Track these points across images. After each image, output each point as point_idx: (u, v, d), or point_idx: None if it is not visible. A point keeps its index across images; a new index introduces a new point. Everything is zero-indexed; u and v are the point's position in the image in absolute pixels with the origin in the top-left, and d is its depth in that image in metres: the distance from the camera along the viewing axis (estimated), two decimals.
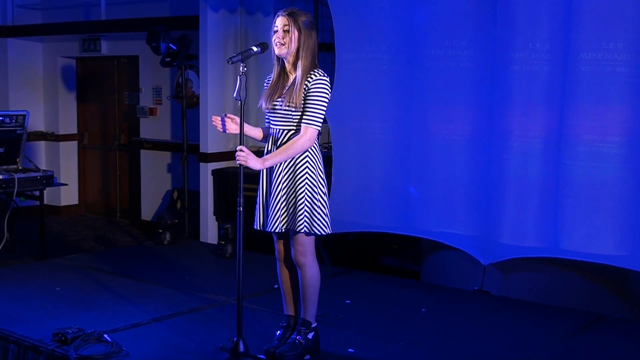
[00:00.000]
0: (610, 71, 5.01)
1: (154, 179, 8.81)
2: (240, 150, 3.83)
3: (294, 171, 3.92)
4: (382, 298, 5.40)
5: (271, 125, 4.03)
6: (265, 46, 3.99)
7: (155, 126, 8.80)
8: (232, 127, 3.99)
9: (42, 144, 9.86)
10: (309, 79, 3.87)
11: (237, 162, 3.85)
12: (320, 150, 4.02)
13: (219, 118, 3.99)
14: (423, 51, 5.76)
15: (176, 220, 7.07)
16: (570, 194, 5.23)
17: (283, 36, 3.88)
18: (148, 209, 8.90)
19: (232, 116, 3.99)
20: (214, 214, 7.53)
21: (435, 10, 5.69)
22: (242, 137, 3.91)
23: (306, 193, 3.91)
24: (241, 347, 3.94)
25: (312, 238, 4.00)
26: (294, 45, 3.89)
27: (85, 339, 4.17)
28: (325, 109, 3.90)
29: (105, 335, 4.24)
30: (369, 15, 6.02)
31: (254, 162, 3.86)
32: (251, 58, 4.01)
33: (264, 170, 4.00)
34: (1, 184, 6.44)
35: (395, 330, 4.66)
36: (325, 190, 4.00)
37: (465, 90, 5.62)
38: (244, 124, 3.96)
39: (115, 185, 9.61)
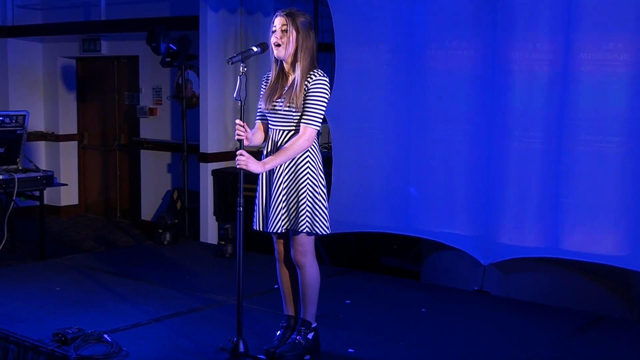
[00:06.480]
0: (610, 71, 5.01)
1: (154, 179, 8.81)
2: (241, 155, 3.83)
3: (295, 171, 3.92)
4: (382, 298, 5.40)
5: (270, 126, 4.02)
6: (265, 46, 3.98)
7: (155, 126, 8.80)
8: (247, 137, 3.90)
9: (42, 144, 9.86)
10: (308, 79, 3.87)
11: (238, 166, 3.84)
12: (320, 150, 4.03)
13: (244, 124, 3.86)
14: (423, 51, 5.76)
15: (176, 221, 7.07)
16: (570, 194, 5.23)
17: (281, 36, 3.88)
18: (148, 209, 8.90)
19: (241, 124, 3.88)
20: (214, 214, 7.53)
21: (435, 10, 5.68)
22: (242, 141, 3.90)
23: (308, 193, 3.91)
24: (241, 347, 3.94)
25: (312, 238, 4.00)
26: (291, 46, 3.88)
27: (85, 339, 4.17)
28: (324, 109, 3.90)
29: (105, 335, 4.24)
30: (369, 15, 6.02)
31: (255, 166, 3.85)
32: (251, 58, 4.00)
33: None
34: (1, 184, 6.44)
35: (395, 330, 4.66)
36: (325, 190, 4.00)
37: (465, 90, 5.61)
38: (250, 133, 3.93)
39: (115, 185, 9.61)
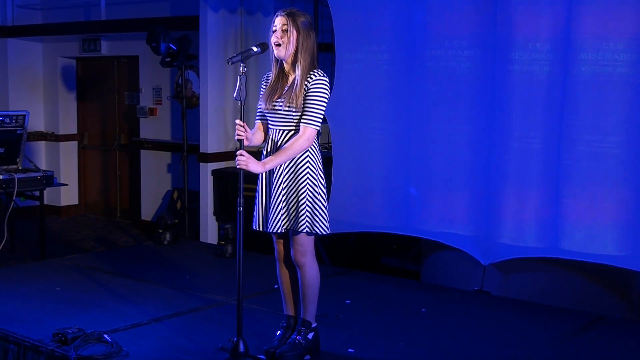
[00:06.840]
0: (610, 71, 5.01)
1: (154, 179, 8.81)
2: (241, 155, 3.83)
3: (295, 171, 3.92)
4: (382, 298, 5.40)
5: (270, 126, 4.02)
6: (265, 46, 3.98)
7: (155, 126, 8.80)
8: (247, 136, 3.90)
9: (42, 144, 9.87)
10: (308, 79, 3.87)
11: (238, 166, 3.84)
12: (320, 150, 4.02)
13: (244, 124, 3.87)
14: (423, 51, 5.76)
15: (176, 221, 7.07)
16: (570, 194, 5.23)
17: (281, 35, 3.88)
18: (148, 209, 8.90)
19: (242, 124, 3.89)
20: (214, 214, 7.53)
21: (435, 11, 5.69)
22: (242, 141, 3.90)
23: (308, 193, 3.91)
24: (241, 347, 3.94)
25: (312, 238, 4.00)
26: (292, 46, 3.88)
27: (85, 339, 4.17)
28: (324, 109, 3.90)
29: (105, 335, 4.24)
30: (369, 15, 6.02)
31: (255, 166, 3.85)
32: (251, 58, 4.00)
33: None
34: (1, 184, 6.44)
35: (395, 330, 4.66)
36: (325, 190, 4.00)
37: (465, 90, 5.62)
38: (250, 133, 3.93)
39: (115, 185, 9.61)
